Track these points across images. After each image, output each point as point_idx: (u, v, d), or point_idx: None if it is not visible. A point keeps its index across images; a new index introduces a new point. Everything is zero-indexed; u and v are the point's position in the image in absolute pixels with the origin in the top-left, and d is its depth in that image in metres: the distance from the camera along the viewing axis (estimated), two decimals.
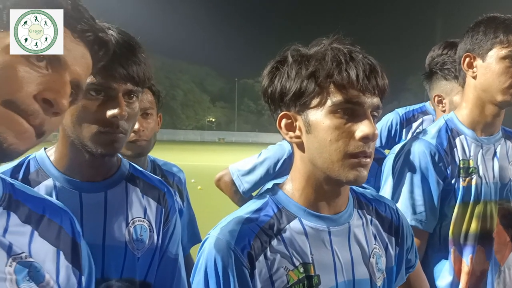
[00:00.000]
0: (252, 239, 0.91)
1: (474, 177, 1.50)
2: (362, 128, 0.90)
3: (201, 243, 0.96)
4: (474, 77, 1.51)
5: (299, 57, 0.94)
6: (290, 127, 0.97)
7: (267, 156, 1.83)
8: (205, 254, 0.91)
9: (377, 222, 1.07)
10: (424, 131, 1.60)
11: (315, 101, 0.91)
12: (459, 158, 1.51)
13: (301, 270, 0.92)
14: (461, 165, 1.50)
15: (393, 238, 1.09)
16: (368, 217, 1.06)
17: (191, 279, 0.93)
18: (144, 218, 1.09)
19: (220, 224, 0.95)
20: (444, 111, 2.02)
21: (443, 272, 1.51)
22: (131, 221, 1.07)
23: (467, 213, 1.49)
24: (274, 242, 0.92)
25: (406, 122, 2.47)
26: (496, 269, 1.51)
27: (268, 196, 1.01)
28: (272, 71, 0.97)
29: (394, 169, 1.55)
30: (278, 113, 0.98)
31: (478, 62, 1.49)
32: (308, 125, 0.93)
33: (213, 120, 64.83)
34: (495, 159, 1.54)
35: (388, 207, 1.11)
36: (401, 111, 2.50)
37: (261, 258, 0.90)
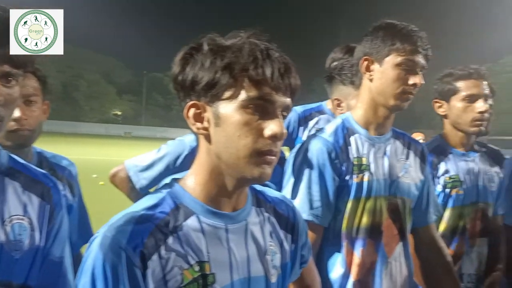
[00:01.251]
0: (145, 237, 0.86)
1: (366, 173, 1.58)
2: (271, 127, 0.90)
3: (89, 242, 0.89)
4: (371, 80, 1.59)
5: (215, 47, 0.92)
6: (198, 118, 0.94)
7: (167, 151, 1.77)
8: (93, 254, 0.84)
9: (274, 220, 1.08)
10: (322, 130, 1.66)
11: (227, 93, 0.90)
12: (353, 155, 1.59)
13: (197, 268, 0.90)
14: (355, 162, 1.59)
15: (289, 235, 1.11)
16: (266, 214, 1.06)
17: (76, 281, 0.86)
18: (24, 215, 0.99)
19: (110, 222, 0.88)
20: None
21: (336, 265, 1.57)
22: (8, 219, 0.96)
23: (359, 208, 1.57)
24: (170, 240, 0.89)
25: (304, 120, 2.56)
26: (384, 261, 1.60)
27: (165, 191, 0.96)
28: (185, 58, 0.94)
29: (294, 166, 1.59)
30: (187, 102, 0.94)
31: (375, 66, 1.58)
32: (218, 118, 0.91)
33: (119, 113, 62.21)
34: (385, 157, 1.64)
35: (286, 205, 1.13)
36: (299, 109, 2.59)
37: (155, 257, 0.86)
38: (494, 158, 2.23)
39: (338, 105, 2.13)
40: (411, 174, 1.69)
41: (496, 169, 2.20)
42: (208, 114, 0.93)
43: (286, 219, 1.11)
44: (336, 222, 1.58)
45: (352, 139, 1.62)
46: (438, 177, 2.10)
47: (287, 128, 2.54)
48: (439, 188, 2.09)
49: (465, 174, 2.10)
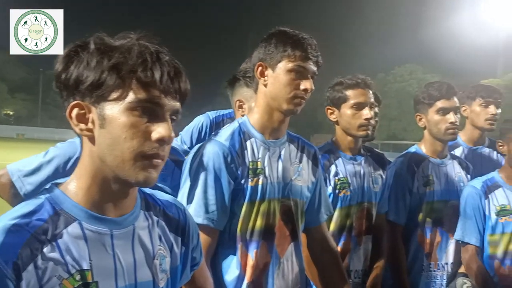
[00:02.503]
0: (19, 248, 0.81)
1: (261, 177, 1.62)
2: (159, 130, 0.89)
3: None
4: (265, 85, 1.64)
5: (102, 46, 0.89)
6: (82, 119, 0.90)
7: (55, 154, 1.66)
8: None
9: (163, 223, 1.07)
10: (219, 133, 1.68)
11: (114, 95, 0.87)
12: (248, 159, 1.62)
13: (78, 278, 0.86)
14: (250, 166, 1.62)
15: (180, 238, 1.10)
16: (155, 218, 1.05)
17: None
18: None
19: None
20: (243, 115, 2.17)
21: (231, 267, 1.59)
22: None
23: (253, 211, 1.60)
24: (47, 249, 0.84)
25: (216, 125, 2.59)
26: (277, 261, 1.65)
27: (43, 197, 0.91)
28: (70, 56, 0.89)
29: (190, 169, 1.59)
30: (70, 101, 0.90)
31: (269, 71, 1.63)
32: (103, 119, 0.88)
33: (11, 113, 57.10)
34: (280, 161, 1.69)
35: (176, 208, 1.13)
36: (212, 114, 2.60)
37: (30, 267, 0.81)
38: (378, 161, 2.43)
39: (240, 107, 2.18)
40: (303, 176, 1.75)
41: (380, 171, 2.40)
42: (93, 115, 0.90)
43: (176, 222, 1.10)
44: (231, 225, 1.60)
45: (248, 143, 1.64)
46: (330, 179, 2.23)
47: (200, 132, 2.55)
48: (330, 189, 2.22)
49: (352, 176, 2.26)
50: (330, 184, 2.23)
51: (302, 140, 1.84)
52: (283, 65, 1.60)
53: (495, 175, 2.38)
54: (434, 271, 2.42)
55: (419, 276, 2.41)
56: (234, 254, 1.60)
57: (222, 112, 2.67)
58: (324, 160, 2.24)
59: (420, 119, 2.51)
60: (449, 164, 2.52)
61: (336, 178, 2.23)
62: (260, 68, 1.65)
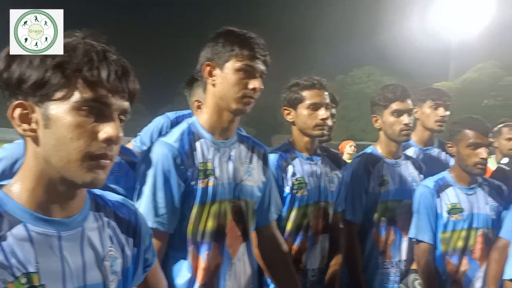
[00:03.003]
0: None
1: (211, 178, 1.61)
2: (106, 130, 0.87)
3: None
4: (214, 85, 1.63)
5: None
6: (25, 119, 0.87)
7: (1, 156, 1.59)
8: None
9: (114, 224, 1.05)
10: (168, 134, 1.66)
11: (59, 94, 0.85)
12: (198, 161, 1.60)
13: (23, 281, 0.83)
14: (200, 168, 1.60)
15: (131, 239, 1.09)
16: (105, 219, 1.03)
17: None
18: None
19: None
20: None
21: (182, 270, 1.57)
22: None
23: (204, 212, 1.59)
24: None
25: (175, 126, 2.54)
26: (229, 262, 1.65)
27: None
28: (12, 54, 0.86)
29: (139, 172, 1.56)
30: (12, 101, 0.87)
31: (217, 71, 1.62)
32: (48, 119, 0.86)
33: None
34: (230, 162, 1.68)
35: (127, 209, 1.11)
36: (171, 115, 2.57)
37: None
38: (335, 161, 2.48)
39: (199, 107, 2.17)
40: (254, 176, 1.75)
41: (336, 171, 2.45)
42: (37, 115, 0.87)
43: (127, 223, 1.09)
44: (181, 228, 1.58)
45: (198, 144, 1.63)
46: (287, 180, 2.25)
47: (160, 134, 2.51)
48: (287, 189, 2.24)
49: (309, 176, 2.29)
50: (287, 185, 2.25)
51: (252, 140, 1.83)
52: (231, 65, 1.59)
53: (446, 174, 2.48)
54: (388, 268, 2.49)
55: (374, 273, 2.47)
56: (185, 257, 1.58)
57: (181, 112, 2.65)
58: (282, 161, 2.26)
59: (376, 121, 2.57)
60: (403, 164, 2.60)
61: (294, 178, 2.25)
62: (208, 68, 1.63)
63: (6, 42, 0.84)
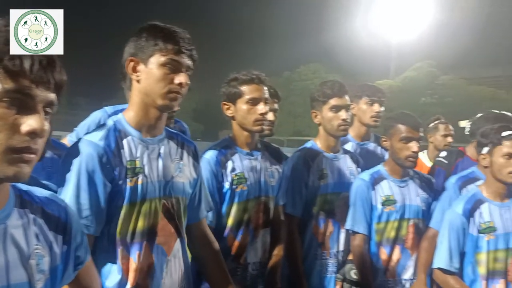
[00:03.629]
0: None
1: (140, 176, 1.55)
2: (29, 122, 0.84)
3: None
4: (138, 81, 1.57)
5: None
6: None
7: None
8: None
9: (41, 221, 1.01)
10: (92, 132, 1.58)
11: None
12: (126, 159, 1.54)
13: None
14: (128, 166, 1.54)
15: (60, 237, 1.05)
16: (31, 216, 0.99)
17: None
18: None
19: None
20: None
21: (112, 273, 1.51)
22: None
23: (134, 212, 1.53)
24: None
25: None
26: (164, 260, 1.61)
27: None
28: None
29: (63, 172, 1.49)
30: None
31: (141, 67, 1.56)
32: None
33: None
34: (160, 159, 1.63)
35: (56, 205, 1.07)
36: (109, 109, 2.50)
37: None
38: (275, 156, 2.51)
39: None
40: (185, 173, 1.72)
41: (277, 166, 2.48)
42: None
43: (56, 220, 1.05)
44: (110, 229, 1.52)
45: (125, 141, 1.57)
46: (227, 175, 2.26)
47: None
48: (227, 185, 2.24)
49: (249, 171, 2.30)
50: (227, 180, 2.25)
51: (181, 136, 1.79)
52: (156, 59, 1.52)
53: (381, 168, 2.58)
54: (327, 259, 2.56)
55: (313, 264, 2.53)
56: (114, 259, 1.51)
57: (120, 107, 2.57)
58: (221, 156, 2.26)
59: (316, 116, 2.63)
60: (342, 158, 2.68)
61: (233, 173, 2.26)
62: (131, 63, 1.56)
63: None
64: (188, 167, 1.75)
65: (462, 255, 2.27)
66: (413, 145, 2.42)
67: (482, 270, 2.22)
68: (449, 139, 4.16)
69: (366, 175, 2.56)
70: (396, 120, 2.51)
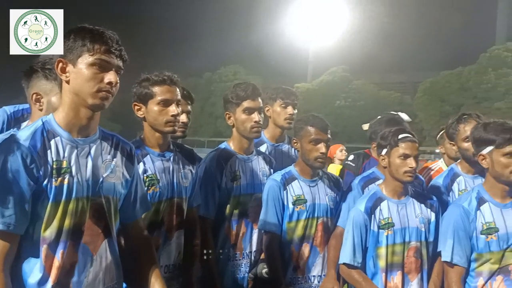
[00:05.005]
0: None
1: (67, 176, 1.57)
2: (109, 77, 0.81)
3: None
4: (68, 82, 1.59)
5: None
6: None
7: None
8: None
9: None
10: (20, 131, 1.59)
11: None
12: (52, 159, 1.55)
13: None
14: (54, 166, 1.55)
15: None
16: None
17: None
18: None
19: None
20: (41, 110, 2.01)
21: (34, 271, 1.53)
22: None
23: (59, 211, 1.55)
24: None
25: (15, 120, 2.38)
26: (89, 259, 1.63)
27: None
28: None
29: None
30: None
31: (70, 67, 1.58)
32: None
33: None
34: (89, 159, 1.65)
35: None
36: (9, 109, 2.39)
37: None
38: (188, 157, 2.48)
39: (38, 100, 2.02)
40: (117, 173, 1.74)
41: (190, 167, 2.45)
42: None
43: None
44: (34, 228, 1.54)
45: (52, 142, 1.58)
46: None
47: None
48: None
49: (161, 172, 2.27)
50: None
51: (117, 137, 1.82)
52: (84, 59, 1.56)
53: (292, 168, 2.68)
54: (240, 259, 2.61)
55: (225, 265, 2.57)
56: (38, 257, 1.53)
57: (21, 106, 2.44)
58: None
59: (229, 118, 2.66)
60: (255, 159, 2.74)
61: (145, 175, 2.21)
62: (60, 64, 1.58)
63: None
64: (120, 168, 1.76)
65: (365, 250, 2.42)
66: (322, 147, 2.54)
67: (382, 263, 2.39)
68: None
69: (278, 175, 2.64)
70: (305, 122, 2.61)
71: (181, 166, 2.39)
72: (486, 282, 2.24)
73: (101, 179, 1.67)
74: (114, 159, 1.75)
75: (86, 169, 1.63)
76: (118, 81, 1.61)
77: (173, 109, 2.21)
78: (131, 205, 1.85)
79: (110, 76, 1.57)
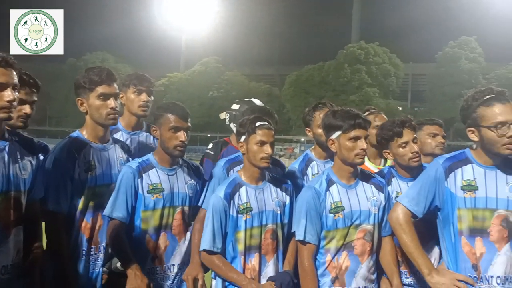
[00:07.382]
0: None
1: None
2: None
3: None
4: None
5: None
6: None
7: None
8: None
9: None
10: None
11: None
12: None
13: None
14: None
15: None
16: None
17: None
18: None
19: None
20: None
21: None
22: None
23: None
24: None
25: None
26: None
27: None
28: None
29: None
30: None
31: None
32: None
33: None
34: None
35: None
36: None
37: None
38: (27, 146, 2.23)
39: None
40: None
41: (30, 158, 2.20)
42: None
43: None
44: None
45: None
46: None
47: None
48: None
49: None
50: None
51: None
52: None
53: (150, 157, 2.59)
54: (96, 253, 2.47)
55: (79, 261, 2.41)
56: None
57: None
58: None
59: (82, 104, 2.48)
60: (111, 148, 2.60)
61: None
62: None
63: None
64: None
65: (225, 235, 2.45)
66: (181, 135, 2.49)
67: (240, 247, 2.44)
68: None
69: (134, 163, 2.53)
70: (165, 109, 2.53)
71: (18, 157, 2.13)
72: (333, 258, 2.43)
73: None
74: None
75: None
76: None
77: (8, 93, 1.95)
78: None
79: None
